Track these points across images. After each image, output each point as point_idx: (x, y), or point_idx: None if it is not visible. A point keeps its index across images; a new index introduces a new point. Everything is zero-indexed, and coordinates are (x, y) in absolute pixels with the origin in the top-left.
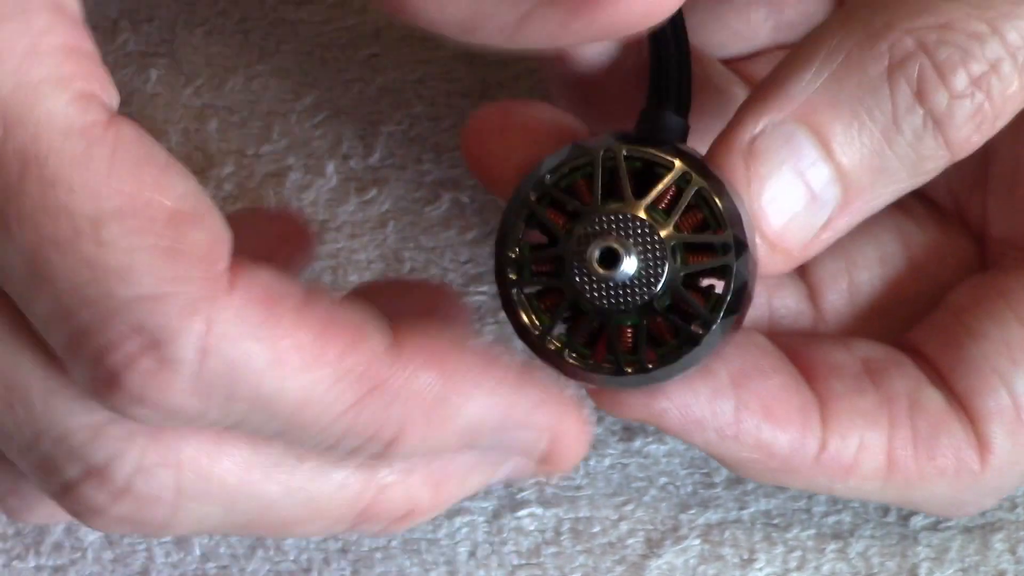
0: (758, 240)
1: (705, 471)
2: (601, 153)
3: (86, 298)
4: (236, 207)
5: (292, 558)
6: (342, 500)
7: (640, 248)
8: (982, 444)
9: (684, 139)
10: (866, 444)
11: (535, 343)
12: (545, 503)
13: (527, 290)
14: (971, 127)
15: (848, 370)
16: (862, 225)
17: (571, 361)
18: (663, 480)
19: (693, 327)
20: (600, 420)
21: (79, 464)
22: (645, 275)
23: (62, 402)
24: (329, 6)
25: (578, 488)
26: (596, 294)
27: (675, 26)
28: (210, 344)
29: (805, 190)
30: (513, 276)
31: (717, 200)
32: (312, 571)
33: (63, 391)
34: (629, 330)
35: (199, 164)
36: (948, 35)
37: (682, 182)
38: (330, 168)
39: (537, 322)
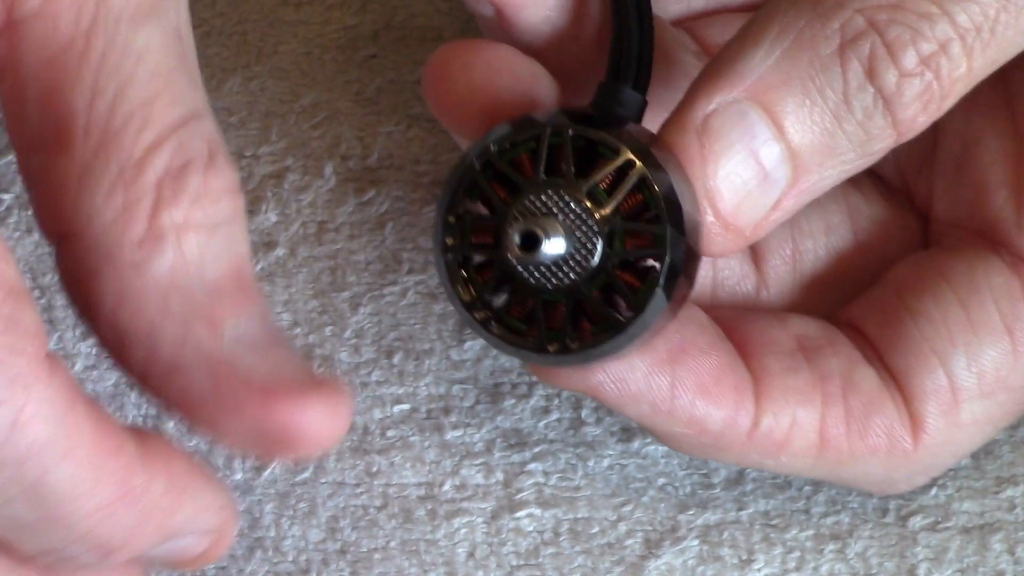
0: (710, 220)
1: (704, 472)
2: (549, 130)
3: None
4: None
5: (291, 559)
6: None
7: (574, 228)
8: (915, 423)
9: (641, 116)
10: (798, 422)
11: (464, 311)
12: (544, 504)
13: (465, 258)
14: (918, 106)
15: (783, 347)
16: None
17: (496, 333)
18: (661, 481)
19: (620, 312)
20: (599, 421)
21: None
22: (577, 256)
23: None
24: (327, 7)
25: (577, 489)
26: (527, 271)
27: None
28: (21, 421)
29: (758, 169)
30: (450, 242)
31: (658, 188)
32: (311, 572)
33: None
34: (562, 308)
35: None
36: (898, 14)
37: (626, 166)
38: (328, 169)
39: (473, 291)
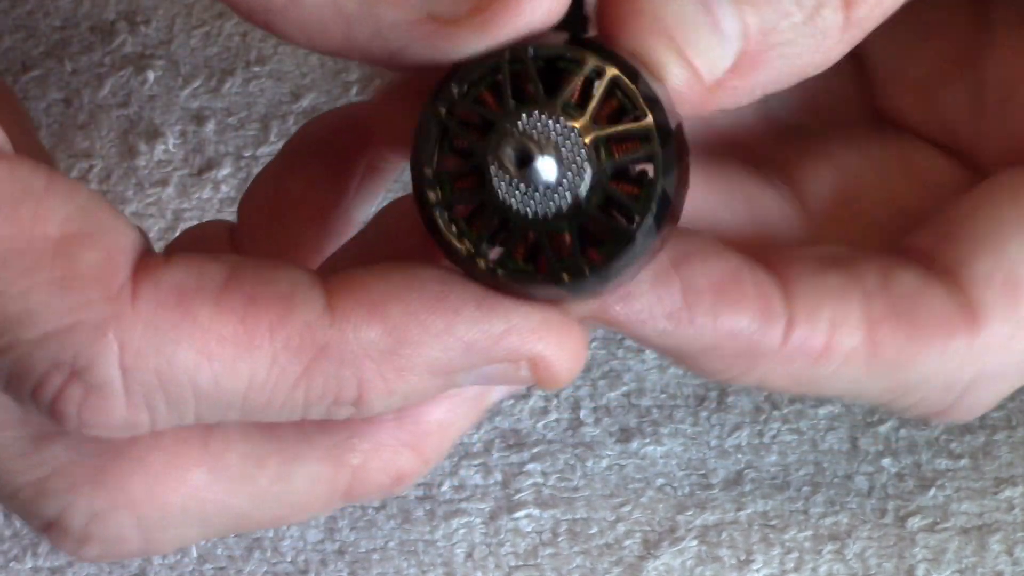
0: (677, 71)
1: (702, 472)
2: (507, 54)
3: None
4: (233, 209)
5: (289, 559)
6: (316, 494)
7: (559, 147)
8: (973, 309)
9: (585, 25)
10: (839, 320)
11: (465, 266)
12: (542, 504)
13: (452, 209)
14: None
15: (808, 255)
16: (851, 135)
17: (505, 278)
18: (660, 481)
19: (625, 221)
20: (597, 422)
21: (36, 519)
22: (568, 175)
23: (4, 462)
24: None
25: (575, 489)
26: (521, 202)
27: None
28: (128, 361)
29: (706, 11)
30: (433, 196)
31: (633, 86)
32: (309, 572)
33: (2, 452)
34: (565, 236)
35: (197, 166)
36: None
37: (593, 74)
38: None
39: (468, 243)
